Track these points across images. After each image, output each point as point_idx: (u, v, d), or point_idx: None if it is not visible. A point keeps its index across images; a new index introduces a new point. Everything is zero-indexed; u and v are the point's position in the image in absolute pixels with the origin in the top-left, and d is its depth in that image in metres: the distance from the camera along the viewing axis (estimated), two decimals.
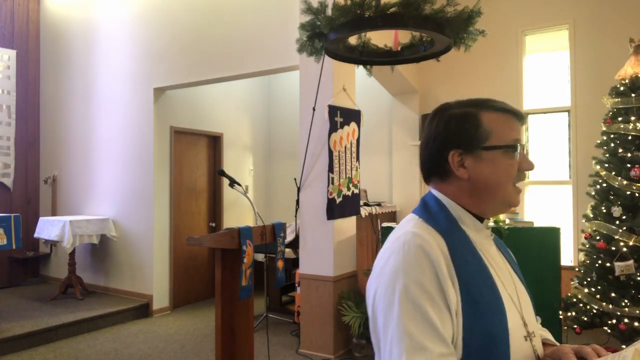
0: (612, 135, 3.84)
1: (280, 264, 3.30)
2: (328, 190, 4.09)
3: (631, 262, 3.53)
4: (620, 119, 3.78)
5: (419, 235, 0.94)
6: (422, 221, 1.00)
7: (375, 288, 0.95)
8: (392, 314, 0.89)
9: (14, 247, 4.64)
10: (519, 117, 1.03)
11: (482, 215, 1.04)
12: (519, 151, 1.00)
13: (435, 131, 1.03)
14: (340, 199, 4.20)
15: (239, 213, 6.63)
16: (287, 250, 5.20)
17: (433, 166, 1.04)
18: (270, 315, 5.21)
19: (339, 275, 4.16)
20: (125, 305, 5.35)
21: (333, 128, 4.13)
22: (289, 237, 5.16)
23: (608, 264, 3.65)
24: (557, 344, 1.07)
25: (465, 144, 1.00)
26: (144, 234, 5.63)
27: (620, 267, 3.54)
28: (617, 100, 3.82)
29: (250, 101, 6.95)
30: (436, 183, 1.05)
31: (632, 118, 3.72)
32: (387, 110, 6.10)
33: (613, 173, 3.75)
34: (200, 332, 4.89)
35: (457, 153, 1.00)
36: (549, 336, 1.10)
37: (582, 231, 4.12)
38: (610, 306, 3.58)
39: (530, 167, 1.02)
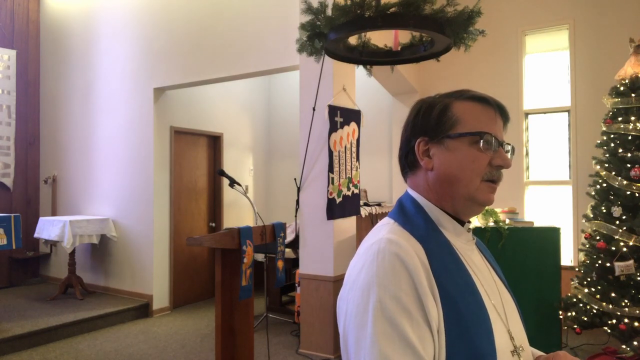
0: (612, 135, 3.84)
1: (280, 264, 3.30)
2: (328, 190, 4.09)
3: (631, 262, 3.54)
4: (620, 119, 3.79)
5: (394, 242, 0.85)
6: (398, 225, 0.93)
7: (347, 304, 0.87)
8: (365, 334, 0.80)
9: (14, 247, 4.63)
10: (496, 108, 0.96)
11: (457, 215, 0.97)
12: (487, 142, 0.92)
13: (407, 120, 1.01)
14: (340, 199, 4.20)
15: (239, 213, 6.63)
16: (287, 250, 5.20)
17: (403, 156, 1.01)
18: (270, 315, 5.21)
19: (339, 275, 4.16)
20: (125, 305, 5.35)
21: (333, 128, 4.13)
22: (289, 237, 5.16)
23: (608, 264, 3.65)
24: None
25: (430, 131, 0.95)
26: (144, 234, 5.63)
27: (620, 267, 3.55)
28: (617, 100, 3.82)
29: (250, 101, 6.95)
30: (410, 177, 1.01)
31: (632, 118, 3.73)
32: (387, 110, 6.10)
33: (613, 173, 3.75)
34: (200, 332, 4.89)
35: (424, 141, 0.96)
36: (538, 352, 1.02)
37: (582, 231, 4.12)
38: (610, 306, 3.58)
39: (504, 163, 0.94)
